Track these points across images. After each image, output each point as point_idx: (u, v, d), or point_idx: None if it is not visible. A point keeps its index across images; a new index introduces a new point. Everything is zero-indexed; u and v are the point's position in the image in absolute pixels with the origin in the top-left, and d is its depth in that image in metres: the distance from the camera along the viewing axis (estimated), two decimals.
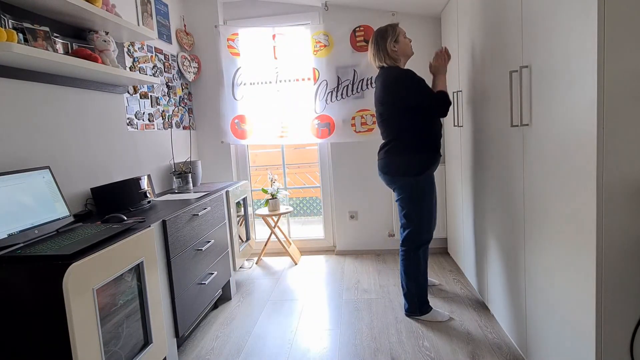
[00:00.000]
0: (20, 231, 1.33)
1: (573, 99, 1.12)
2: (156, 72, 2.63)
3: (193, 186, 2.63)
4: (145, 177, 2.08)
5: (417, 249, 2.11)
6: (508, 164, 1.64)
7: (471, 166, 2.24)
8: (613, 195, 1.02)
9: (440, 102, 2.03)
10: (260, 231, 3.61)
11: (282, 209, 3.19)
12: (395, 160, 2.09)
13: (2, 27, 1.47)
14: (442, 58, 2.16)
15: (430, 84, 2.15)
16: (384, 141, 2.16)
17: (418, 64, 3.05)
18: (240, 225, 2.82)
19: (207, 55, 3.17)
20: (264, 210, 3.15)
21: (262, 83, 3.16)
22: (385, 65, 2.13)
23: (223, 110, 3.19)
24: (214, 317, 2.30)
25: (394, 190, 2.17)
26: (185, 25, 3.09)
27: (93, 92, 2.01)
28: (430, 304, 2.15)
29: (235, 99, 3.18)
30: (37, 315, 1.17)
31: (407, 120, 2.05)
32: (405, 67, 2.15)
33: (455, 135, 2.58)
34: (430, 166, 2.07)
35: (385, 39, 2.10)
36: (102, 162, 2.05)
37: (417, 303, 2.12)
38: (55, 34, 1.74)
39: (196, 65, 3.12)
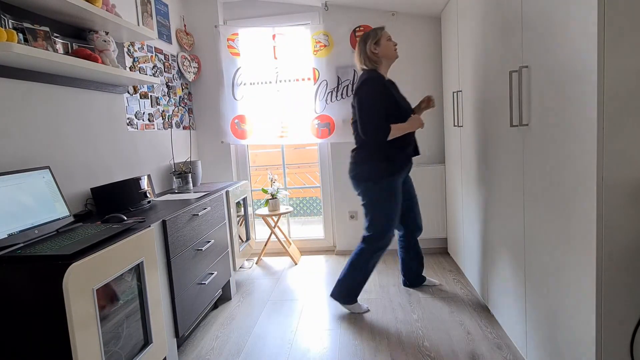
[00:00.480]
0: (20, 231, 1.33)
1: (573, 99, 1.12)
2: (156, 72, 2.63)
3: (193, 186, 2.63)
4: (145, 177, 2.08)
5: (374, 252, 2.17)
6: (508, 164, 1.64)
7: (471, 166, 2.24)
8: (613, 195, 1.02)
9: (373, 132, 2.02)
10: (260, 231, 3.61)
11: (282, 209, 3.19)
12: (360, 166, 2.13)
13: (2, 27, 1.47)
14: (424, 107, 2.26)
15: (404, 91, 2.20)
16: (355, 144, 2.21)
17: (417, 64, 3.05)
18: (240, 225, 2.83)
19: (207, 55, 3.17)
20: (264, 210, 3.15)
21: (262, 83, 3.16)
22: (365, 67, 2.15)
23: (223, 110, 3.19)
24: (214, 317, 2.30)
25: (358, 194, 2.22)
26: (185, 25, 3.09)
27: (93, 92, 2.01)
28: (357, 301, 2.26)
29: (235, 99, 3.18)
30: (37, 315, 1.17)
31: (360, 130, 2.06)
32: (388, 76, 2.18)
33: (455, 135, 2.58)
34: (394, 173, 2.10)
35: (365, 42, 2.13)
36: (102, 162, 2.05)
37: (344, 292, 2.22)
38: (55, 34, 1.74)
39: (196, 65, 3.13)
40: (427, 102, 2.26)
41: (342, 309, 2.28)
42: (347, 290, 2.21)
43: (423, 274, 2.55)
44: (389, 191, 2.11)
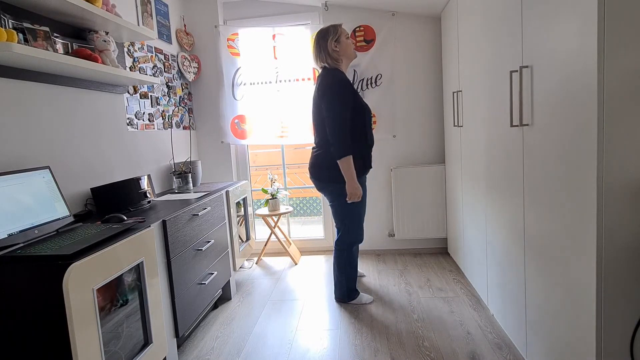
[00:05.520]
0: (20, 231, 1.33)
1: (573, 98, 1.12)
2: (156, 72, 2.63)
3: (193, 186, 2.63)
4: (145, 177, 2.08)
5: (350, 248, 2.26)
6: (508, 164, 1.64)
7: (471, 166, 2.24)
8: (613, 195, 1.02)
9: (338, 137, 1.99)
10: (260, 231, 3.61)
11: (282, 209, 3.18)
12: (324, 167, 2.13)
13: (2, 27, 1.47)
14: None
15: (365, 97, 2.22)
16: (315, 143, 2.21)
17: (417, 64, 3.05)
18: (240, 225, 2.82)
19: (207, 55, 3.17)
20: (264, 210, 3.15)
21: (262, 83, 3.16)
22: (326, 65, 2.11)
23: (223, 110, 3.19)
24: (214, 317, 2.30)
25: (324, 195, 2.25)
26: (185, 25, 3.09)
27: (93, 92, 2.01)
28: (359, 291, 2.38)
29: (235, 99, 3.18)
30: (38, 315, 1.17)
31: (327, 131, 2.06)
32: (345, 74, 2.16)
33: (455, 135, 2.58)
34: (358, 173, 2.10)
35: (326, 38, 2.08)
36: (102, 162, 2.05)
37: (345, 291, 2.32)
38: (55, 34, 1.74)
39: (196, 65, 3.12)
40: None
41: (342, 309, 2.28)
42: (346, 288, 2.31)
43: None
44: None
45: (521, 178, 1.51)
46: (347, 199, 2.09)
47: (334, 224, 2.27)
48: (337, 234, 2.29)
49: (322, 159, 2.14)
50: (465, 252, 2.48)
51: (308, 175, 2.26)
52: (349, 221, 2.20)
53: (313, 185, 2.29)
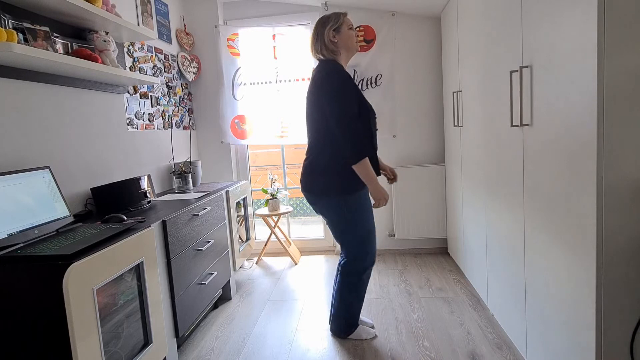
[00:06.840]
0: (20, 231, 1.33)
1: (573, 98, 1.12)
2: (156, 72, 2.63)
3: (193, 186, 2.63)
4: (145, 177, 2.08)
5: (358, 278, 1.87)
6: (508, 164, 1.64)
7: (471, 166, 2.24)
8: (613, 195, 1.02)
9: (350, 135, 1.64)
10: (260, 231, 3.61)
11: (282, 209, 3.18)
12: (316, 174, 1.78)
13: (2, 27, 1.47)
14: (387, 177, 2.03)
15: (366, 95, 1.81)
16: (307, 148, 1.87)
17: (417, 64, 3.05)
18: (240, 225, 2.82)
19: (207, 55, 3.17)
20: (264, 210, 3.15)
21: (262, 83, 3.16)
22: (322, 57, 1.82)
23: (223, 110, 3.19)
24: (214, 317, 2.30)
25: (318, 212, 1.87)
26: (185, 25, 3.09)
27: (93, 92, 2.01)
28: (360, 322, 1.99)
29: (235, 99, 3.18)
30: (37, 315, 1.17)
31: (335, 129, 1.70)
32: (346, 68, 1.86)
33: (455, 135, 2.58)
34: (362, 187, 1.77)
35: (324, 26, 1.80)
36: (102, 162, 2.05)
37: (344, 326, 1.95)
38: (55, 34, 1.74)
39: (196, 65, 3.12)
40: (392, 175, 2.03)
41: None
42: (345, 323, 1.95)
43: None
44: (359, 203, 1.77)
45: (521, 178, 1.51)
46: (373, 206, 1.76)
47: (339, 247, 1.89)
48: (342, 259, 1.91)
49: (314, 166, 1.78)
50: (465, 252, 2.48)
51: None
52: (354, 242, 1.81)
53: None
